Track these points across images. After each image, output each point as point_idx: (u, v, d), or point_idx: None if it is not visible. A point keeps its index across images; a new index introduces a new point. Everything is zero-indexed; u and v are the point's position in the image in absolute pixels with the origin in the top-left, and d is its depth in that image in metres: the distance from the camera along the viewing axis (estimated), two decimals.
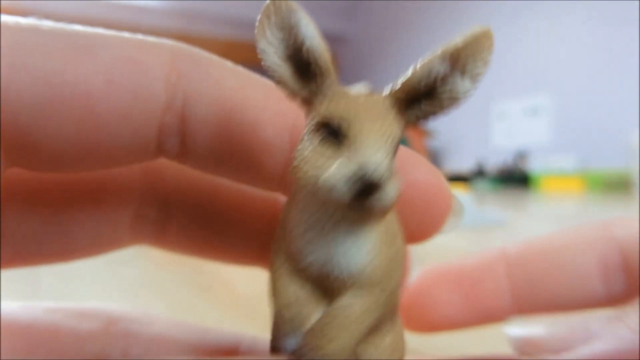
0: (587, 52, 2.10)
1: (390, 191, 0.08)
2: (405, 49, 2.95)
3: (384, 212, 0.09)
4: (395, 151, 0.09)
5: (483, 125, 2.53)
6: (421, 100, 0.10)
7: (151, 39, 0.10)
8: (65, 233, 0.12)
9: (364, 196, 0.08)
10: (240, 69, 0.11)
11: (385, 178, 0.08)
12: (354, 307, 0.10)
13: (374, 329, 0.11)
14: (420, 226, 0.12)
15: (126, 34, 0.10)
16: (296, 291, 0.10)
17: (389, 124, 0.09)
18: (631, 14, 1.86)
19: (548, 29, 2.26)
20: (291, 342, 0.10)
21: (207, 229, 0.14)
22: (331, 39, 3.44)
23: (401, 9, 3.04)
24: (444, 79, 0.10)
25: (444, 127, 2.54)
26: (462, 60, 0.10)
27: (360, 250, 0.10)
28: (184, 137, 0.11)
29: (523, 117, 2.44)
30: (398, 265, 0.11)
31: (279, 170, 0.11)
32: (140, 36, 0.10)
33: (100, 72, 0.09)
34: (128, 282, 0.38)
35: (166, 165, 0.13)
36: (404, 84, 0.10)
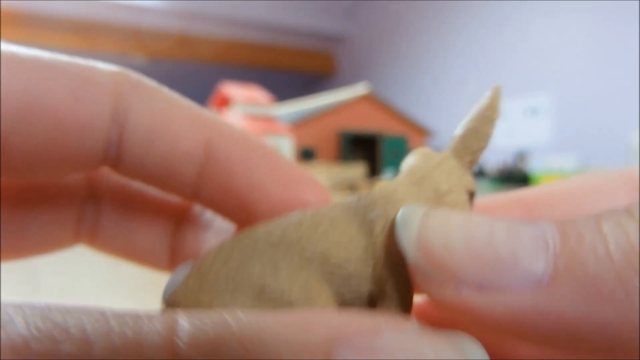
0: (587, 52, 2.10)
1: None
2: (405, 49, 2.95)
3: None
4: None
5: None
6: None
7: (99, 63, 0.12)
8: (20, 231, 0.13)
9: None
10: (168, 91, 0.13)
11: None
12: None
13: None
14: None
15: (79, 59, 0.12)
16: None
17: None
18: (631, 14, 1.86)
19: (548, 29, 2.25)
20: None
21: (130, 230, 0.15)
22: (331, 39, 3.43)
23: (401, 9, 3.04)
24: None
25: (444, 127, 2.54)
26: None
27: None
28: (121, 147, 0.12)
29: (523, 117, 2.43)
30: None
31: (193, 178, 0.13)
32: (89, 61, 0.12)
33: (64, 88, 0.11)
34: (128, 282, 0.38)
35: (102, 171, 0.15)
36: None
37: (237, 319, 0.08)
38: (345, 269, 0.10)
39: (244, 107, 1.16)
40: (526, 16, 2.33)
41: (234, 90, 1.18)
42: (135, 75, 0.12)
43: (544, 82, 2.29)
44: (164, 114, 0.12)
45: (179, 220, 0.15)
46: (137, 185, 0.15)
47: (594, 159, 2.03)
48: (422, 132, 1.96)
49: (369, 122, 2.18)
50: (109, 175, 0.15)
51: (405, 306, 0.10)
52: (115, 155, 0.12)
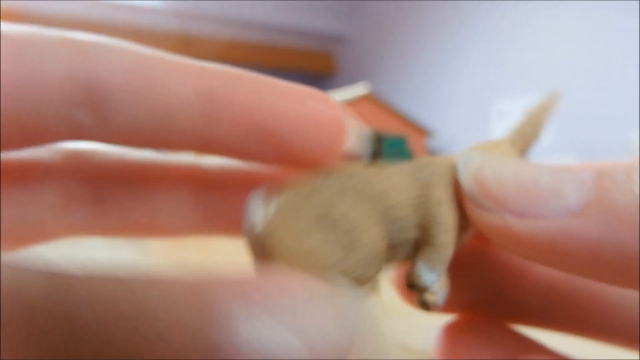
0: (588, 52, 2.10)
1: None
2: (405, 49, 2.95)
3: None
4: None
5: (483, 125, 2.53)
6: None
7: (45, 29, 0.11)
8: None
9: None
10: (137, 46, 0.12)
11: None
12: None
13: None
14: (316, 151, 0.13)
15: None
16: None
17: None
18: (632, 14, 1.86)
19: (548, 29, 2.25)
20: None
21: (140, 204, 0.14)
22: (331, 39, 3.43)
23: (401, 9, 3.03)
24: None
25: (443, 126, 2.53)
26: None
27: None
28: (101, 111, 0.11)
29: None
30: None
31: (199, 127, 0.12)
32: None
33: None
34: None
35: (89, 147, 0.14)
36: None
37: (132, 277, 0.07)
38: (397, 211, 0.11)
39: None
40: (526, 16, 2.33)
41: None
42: (92, 35, 0.11)
43: (543, 82, 2.29)
44: (142, 67, 0.11)
45: (200, 179, 0.14)
46: (137, 154, 0.14)
47: (595, 159, 2.02)
48: (422, 132, 1.97)
49: (369, 122, 2.18)
50: (101, 155, 0.14)
51: (445, 252, 0.12)
52: (93, 121, 0.11)
